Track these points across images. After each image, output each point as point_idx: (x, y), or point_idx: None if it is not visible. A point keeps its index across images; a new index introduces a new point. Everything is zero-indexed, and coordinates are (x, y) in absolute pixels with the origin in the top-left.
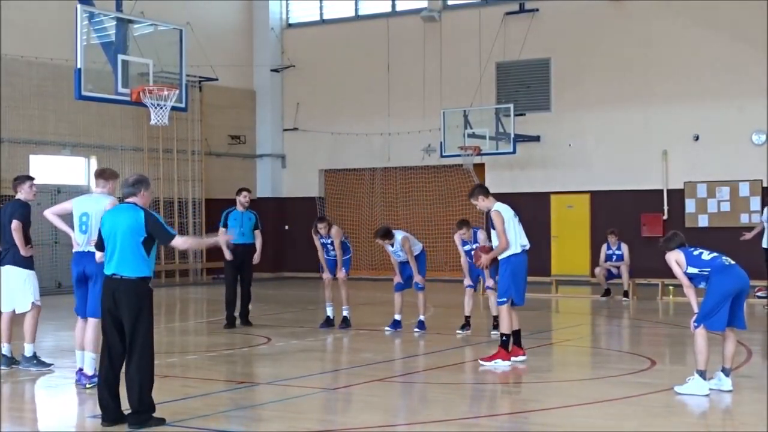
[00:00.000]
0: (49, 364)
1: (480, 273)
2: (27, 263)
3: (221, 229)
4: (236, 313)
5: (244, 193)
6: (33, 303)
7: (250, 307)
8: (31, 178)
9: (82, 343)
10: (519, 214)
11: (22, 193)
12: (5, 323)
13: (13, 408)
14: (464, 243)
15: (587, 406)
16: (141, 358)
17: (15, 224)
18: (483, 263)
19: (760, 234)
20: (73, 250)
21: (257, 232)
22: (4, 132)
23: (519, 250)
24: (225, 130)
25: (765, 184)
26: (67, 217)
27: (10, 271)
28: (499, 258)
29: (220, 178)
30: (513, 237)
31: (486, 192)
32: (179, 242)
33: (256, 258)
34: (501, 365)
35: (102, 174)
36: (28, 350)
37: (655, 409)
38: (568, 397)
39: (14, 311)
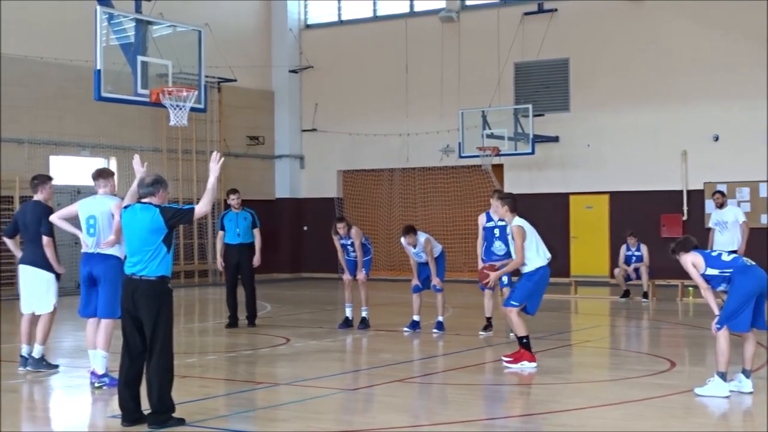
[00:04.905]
0: (56, 366)
1: None
2: (47, 265)
3: (220, 233)
4: (240, 314)
5: (232, 195)
6: (54, 305)
7: (258, 312)
8: (51, 178)
9: (93, 342)
10: (538, 215)
11: (43, 193)
12: (25, 325)
13: (33, 408)
14: None
15: (607, 408)
16: (160, 359)
17: (46, 240)
18: (491, 281)
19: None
20: (82, 251)
21: (256, 231)
22: (24, 133)
23: (545, 263)
24: (243, 130)
25: None
26: (74, 219)
27: (30, 271)
28: (525, 271)
29: (238, 178)
30: (535, 251)
31: (514, 207)
32: (201, 209)
33: (256, 260)
34: (527, 367)
35: (102, 174)
36: (37, 351)
37: (674, 411)
38: (587, 398)
39: (33, 313)
